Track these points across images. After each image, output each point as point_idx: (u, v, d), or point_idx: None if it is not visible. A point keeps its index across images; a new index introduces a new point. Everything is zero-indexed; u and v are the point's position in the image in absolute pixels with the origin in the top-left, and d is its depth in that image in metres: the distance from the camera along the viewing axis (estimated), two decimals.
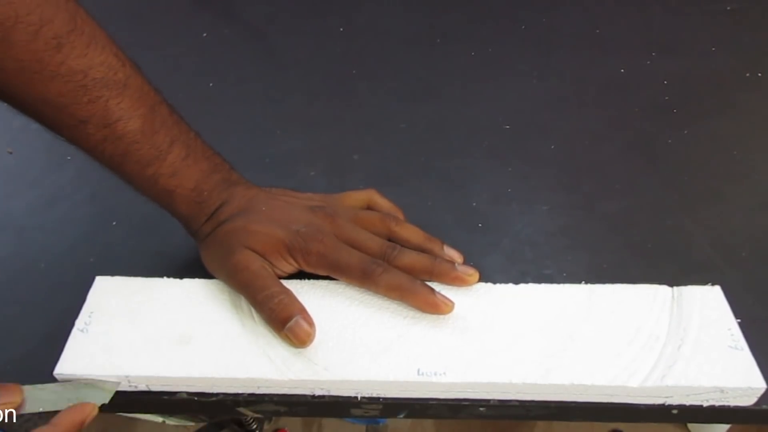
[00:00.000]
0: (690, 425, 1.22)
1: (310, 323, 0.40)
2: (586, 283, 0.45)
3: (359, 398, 0.41)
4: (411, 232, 0.46)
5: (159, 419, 0.89)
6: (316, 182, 0.56)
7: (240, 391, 0.41)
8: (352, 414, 0.42)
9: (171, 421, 0.91)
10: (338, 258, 0.43)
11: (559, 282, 0.45)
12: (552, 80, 0.68)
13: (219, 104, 0.63)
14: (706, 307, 0.43)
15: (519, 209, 0.53)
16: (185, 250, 0.47)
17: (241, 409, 0.42)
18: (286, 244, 0.43)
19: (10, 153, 0.58)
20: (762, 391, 0.39)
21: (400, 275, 0.42)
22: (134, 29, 0.74)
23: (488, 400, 0.40)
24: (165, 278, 0.45)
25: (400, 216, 0.48)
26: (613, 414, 0.41)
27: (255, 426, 1.02)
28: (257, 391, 0.40)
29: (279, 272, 0.44)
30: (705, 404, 0.40)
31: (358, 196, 0.48)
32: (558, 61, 0.70)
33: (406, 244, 0.45)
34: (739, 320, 0.45)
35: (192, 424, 0.97)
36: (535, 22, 0.76)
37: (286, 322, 0.40)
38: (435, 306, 0.41)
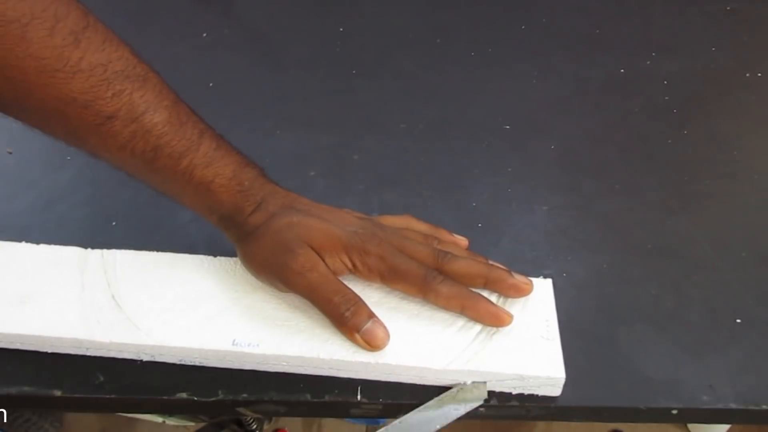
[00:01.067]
0: (690, 425, 1.22)
1: (383, 326, 0.41)
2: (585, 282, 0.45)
3: (359, 398, 0.41)
4: (455, 248, 0.45)
5: (159, 419, 0.89)
6: (316, 182, 0.56)
7: (70, 352, 0.42)
8: (352, 414, 0.42)
9: (171, 421, 0.91)
10: (398, 263, 0.42)
11: (559, 282, 0.45)
12: (552, 80, 0.68)
13: (219, 104, 0.63)
14: (532, 298, 0.43)
15: (519, 209, 0.53)
16: (185, 250, 0.47)
17: (241, 409, 0.42)
18: (344, 242, 0.42)
19: (10, 153, 0.58)
20: (563, 381, 0.40)
21: (459, 286, 0.42)
22: (134, 29, 0.74)
23: (488, 401, 0.40)
24: (24, 243, 0.46)
25: (442, 235, 0.46)
26: (613, 414, 0.41)
27: (255, 426, 1.02)
28: (86, 353, 0.42)
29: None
30: (514, 392, 0.41)
31: (395, 220, 0.47)
32: (558, 61, 0.70)
33: None
34: (738, 320, 0.45)
35: (192, 424, 0.97)
36: (535, 22, 0.76)
37: (360, 327, 0.40)
38: (497, 318, 0.41)
